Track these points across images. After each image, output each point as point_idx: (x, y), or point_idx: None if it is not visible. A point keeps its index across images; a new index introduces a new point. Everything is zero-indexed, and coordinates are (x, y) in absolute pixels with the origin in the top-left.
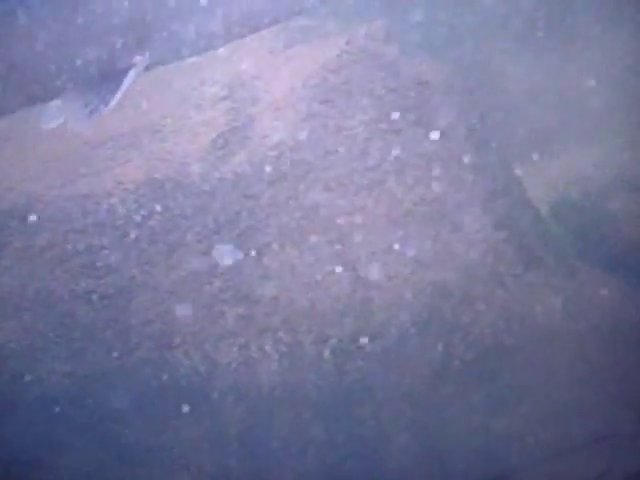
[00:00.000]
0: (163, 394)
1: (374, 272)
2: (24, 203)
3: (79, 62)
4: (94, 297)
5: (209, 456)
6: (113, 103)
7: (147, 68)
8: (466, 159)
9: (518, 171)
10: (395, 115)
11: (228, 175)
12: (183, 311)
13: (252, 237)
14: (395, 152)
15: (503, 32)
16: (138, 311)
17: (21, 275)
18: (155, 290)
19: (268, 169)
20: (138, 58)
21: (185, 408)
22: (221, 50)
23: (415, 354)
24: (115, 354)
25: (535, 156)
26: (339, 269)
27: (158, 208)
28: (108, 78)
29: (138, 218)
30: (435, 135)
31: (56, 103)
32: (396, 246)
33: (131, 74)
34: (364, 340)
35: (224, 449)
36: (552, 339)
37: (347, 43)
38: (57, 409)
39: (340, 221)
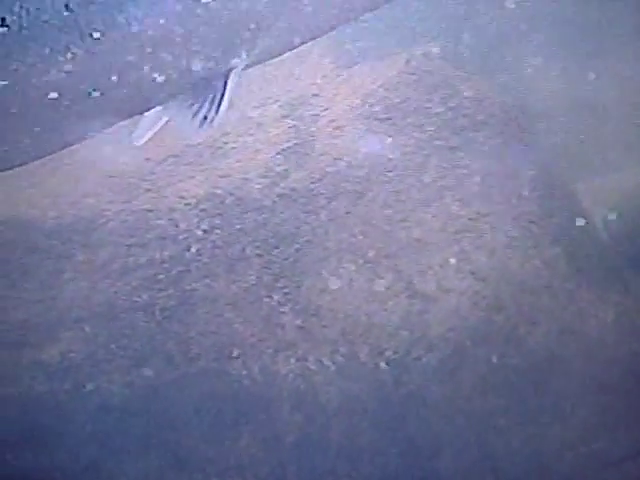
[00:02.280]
0: (221, 404)
1: (430, 286)
2: (87, 217)
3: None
4: (155, 309)
5: (265, 465)
6: (224, 109)
7: (246, 68)
8: (522, 175)
9: (573, 186)
10: (452, 133)
11: (288, 191)
12: (242, 323)
13: (311, 251)
14: (452, 169)
15: (558, 52)
16: (198, 323)
17: (83, 288)
18: (215, 302)
19: (327, 185)
20: (236, 60)
21: (243, 418)
22: (282, 68)
23: (470, 366)
24: (175, 365)
25: (590, 171)
26: (396, 283)
27: (219, 223)
28: (208, 83)
29: (199, 232)
30: (491, 152)
31: (153, 116)
32: (452, 260)
33: (233, 77)
34: (420, 352)
35: (280, 458)
36: (605, 352)
37: (406, 63)
38: (117, 418)
39: (397, 236)
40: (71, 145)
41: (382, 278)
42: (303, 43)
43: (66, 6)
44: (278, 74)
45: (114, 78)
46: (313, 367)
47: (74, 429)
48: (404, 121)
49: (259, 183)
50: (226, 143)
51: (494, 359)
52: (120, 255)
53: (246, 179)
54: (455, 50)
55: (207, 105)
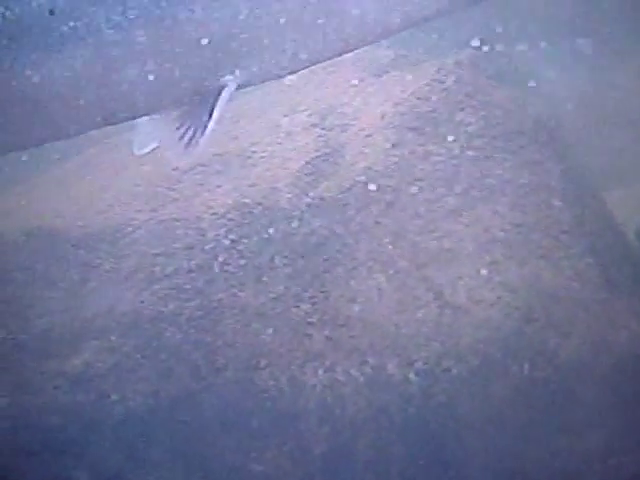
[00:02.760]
0: (248, 415)
1: (461, 296)
2: (114, 226)
3: (167, 82)
4: (181, 319)
5: (292, 477)
6: (209, 130)
7: (239, 88)
8: (554, 185)
9: (605, 197)
10: (484, 142)
11: (317, 200)
12: (270, 334)
13: (340, 261)
14: (483, 179)
15: (590, 61)
16: (225, 333)
17: (109, 297)
18: (243, 313)
19: (357, 195)
20: (229, 78)
21: (269, 429)
22: (312, 77)
23: (500, 377)
24: (201, 375)
25: (622, 180)
26: (426, 293)
27: (247, 232)
28: (198, 100)
29: (227, 242)
30: (523, 162)
31: (146, 128)
32: (483, 271)
33: (224, 96)
34: (450, 363)
35: (307, 470)
36: (636, 364)
37: (437, 71)
38: (142, 429)
39: (428, 246)
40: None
41: (412, 288)
42: (307, 66)
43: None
44: (308, 82)
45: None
46: (341, 378)
47: (98, 440)
48: (435, 130)
49: (288, 192)
50: (255, 152)
51: (525, 370)
52: (146, 264)
53: (275, 188)
54: (486, 59)
55: (194, 125)
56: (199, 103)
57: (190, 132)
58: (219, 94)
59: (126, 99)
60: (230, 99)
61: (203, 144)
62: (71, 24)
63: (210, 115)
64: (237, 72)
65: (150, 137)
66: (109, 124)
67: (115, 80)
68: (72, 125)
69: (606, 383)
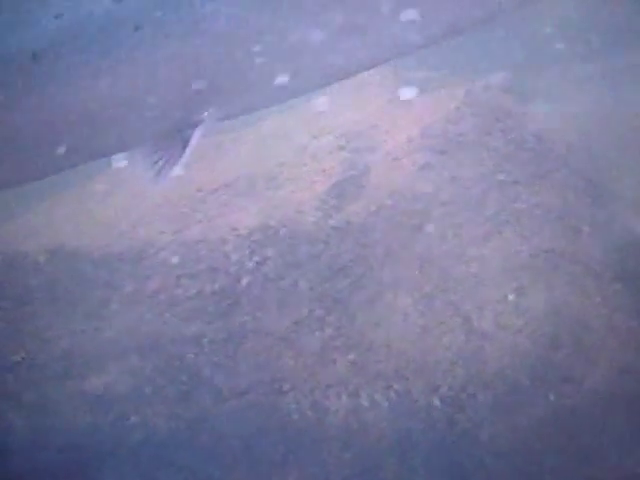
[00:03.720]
0: (270, 439)
1: (487, 322)
2: (137, 247)
3: (144, 117)
4: (204, 341)
5: None
6: (182, 163)
7: (217, 121)
8: (582, 211)
9: (634, 222)
10: (512, 166)
11: (343, 223)
12: (293, 357)
13: (366, 285)
14: (512, 203)
15: (619, 85)
16: (248, 356)
17: (131, 318)
18: (266, 336)
19: (383, 218)
20: (206, 114)
21: (291, 454)
22: (339, 99)
23: (526, 404)
24: (223, 398)
25: None
26: (452, 318)
27: (271, 255)
28: (175, 135)
29: (251, 264)
30: (552, 187)
31: (123, 162)
32: (511, 297)
33: (199, 132)
34: (475, 389)
35: None
36: None
37: (466, 95)
38: (162, 451)
39: (455, 271)
40: None
41: (438, 313)
42: (287, 100)
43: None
44: (334, 104)
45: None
46: (365, 403)
47: (117, 461)
48: (463, 154)
49: (313, 215)
50: (280, 173)
51: (551, 398)
52: (169, 286)
53: (300, 211)
54: (516, 82)
55: (168, 158)
56: (175, 136)
57: (163, 164)
58: (194, 129)
59: (108, 137)
60: (206, 134)
61: (175, 176)
62: (53, 68)
63: (184, 149)
64: (213, 109)
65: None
66: (90, 161)
67: (98, 120)
68: (52, 165)
69: (634, 411)
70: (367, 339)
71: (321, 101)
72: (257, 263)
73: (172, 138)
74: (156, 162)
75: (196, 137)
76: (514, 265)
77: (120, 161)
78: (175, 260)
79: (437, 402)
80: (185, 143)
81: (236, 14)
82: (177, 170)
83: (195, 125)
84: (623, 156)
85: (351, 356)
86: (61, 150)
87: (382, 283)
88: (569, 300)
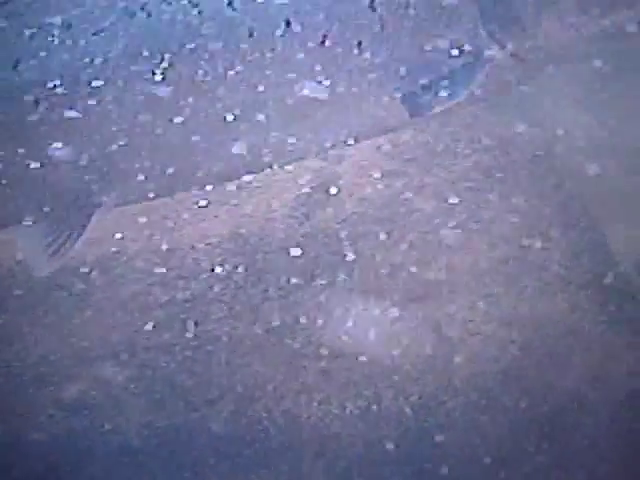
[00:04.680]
0: (242, 448)
1: (457, 329)
2: (109, 255)
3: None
4: (176, 349)
5: None
6: (77, 245)
7: (116, 206)
8: (552, 217)
9: (604, 228)
10: (480, 174)
11: (312, 231)
12: (264, 365)
13: (335, 293)
14: (480, 211)
15: (588, 92)
16: (220, 364)
17: (104, 326)
18: (237, 344)
19: (352, 226)
20: (104, 199)
21: (263, 462)
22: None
23: (497, 411)
24: (195, 406)
25: (620, 214)
26: (422, 326)
27: (242, 262)
28: (73, 217)
29: (222, 272)
30: (520, 194)
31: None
32: (480, 304)
33: (96, 216)
34: (445, 397)
35: None
36: (636, 399)
37: None
38: (135, 459)
39: (424, 278)
40: None
41: (408, 321)
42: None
43: None
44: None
45: None
46: (336, 411)
47: (92, 469)
48: (431, 162)
49: (283, 223)
50: (250, 182)
51: (522, 405)
52: (141, 293)
53: (270, 219)
54: (483, 90)
55: (63, 239)
56: (72, 218)
57: (57, 245)
58: (92, 213)
59: None
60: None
61: (66, 257)
62: None
63: (81, 231)
64: (112, 193)
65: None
66: None
67: None
68: None
69: (604, 418)
70: (337, 347)
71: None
72: (228, 271)
73: (70, 220)
74: (51, 244)
75: (93, 222)
76: (483, 272)
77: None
78: (147, 268)
79: (408, 410)
80: (82, 228)
81: None
82: (71, 252)
83: (93, 208)
84: (591, 162)
85: (322, 364)
86: None
87: (352, 291)
88: (538, 307)
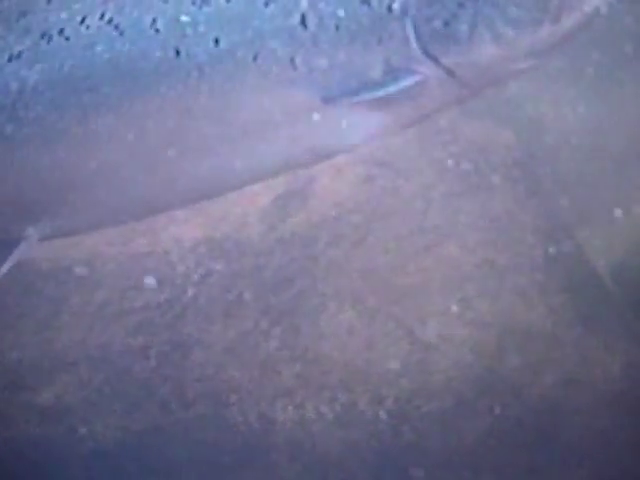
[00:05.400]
0: (217, 451)
1: (431, 333)
2: (84, 259)
3: None
4: (151, 353)
5: None
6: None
7: (42, 239)
8: (527, 222)
9: (579, 232)
10: (455, 178)
11: (287, 235)
12: (239, 369)
13: (310, 297)
14: (454, 215)
15: (564, 97)
16: (194, 368)
17: (78, 330)
18: (212, 347)
19: (326, 230)
20: (30, 230)
21: (239, 466)
22: None
23: (472, 416)
24: (170, 410)
25: (595, 218)
26: (396, 330)
27: (216, 267)
28: None
29: (196, 276)
30: (495, 198)
31: None
32: (454, 308)
33: (19, 250)
34: (420, 401)
35: None
36: (612, 404)
37: None
38: (111, 462)
39: (398, 282)
40: None
41: (382, 325)
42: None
43: None
44: None
45: None
46: (311, 415)
47: (67, 473)
48: (406, 166)
49: (258, 227)
50: None
51: (497, 409)
52: (116, 298)
53: (244, 223)
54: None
55: None
56: None
57: None
58: (17, 245)
59: None
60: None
61: None
62: None
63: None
64: (39, 224)
65: None
66: None
67: None
68: None
69: (580, 421)
70: (312, 351)
71: None
72: (202, 275)
73: None
74: None
75: (16, 255)
76: (457, 277)
77: None
78: (121, 272)
79: (383, 414)
80: (4, 259)
81: None
82: None
83: (17, 241)
84: (566, 165)
85: (297, 368)
86: None
87: (326, 295)
88: (513, 311)
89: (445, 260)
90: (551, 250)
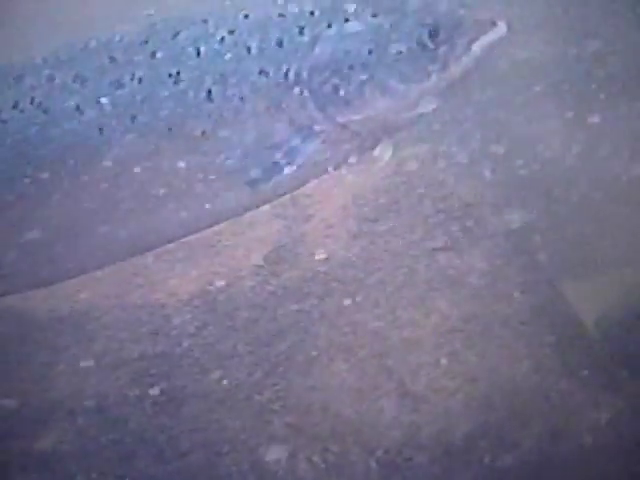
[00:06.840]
0: None
1: (421, 386)
2: (81, 311)
3: None
4: (146, 404)
5: None
6: None
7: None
8: (513, 276)
9: (564, 286)
10: (443, 234)
11: (279, 289)
12: (233, 419)
13: (302, 350)
14: (442, 270)
15: (550, 144)
16: (189, 418)
17: (75, 380)
18: (206, 398)
19: (318, 284)
20: None
21: None
22: None
23: (461, 467)
24: (165, 459)
25: (581, 271)
26: (387, 382)
27: (211, 319)
28: None
29: (191, 328)
30: (481, 253)
31: None
32: (443, 361)
33: None
34: (411, 452)
35: None
36: (598, 455)
37: (398, 165)
38: None
39: (388, 335)
40: None
41: (373, 377)
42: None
43: None
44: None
45: None
46: (303, 465)
47: None
48: (395, 222)
49: (251, 281)
50: (219, 241)
51: (486, 460)
52: (112, 349)
53: (238, 277)
54: (447, 151)
55: None
56: None
57: None
58: None
59: None
60: None
61: None
62: None
63: None
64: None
65: None
66: None
67: None
68: None
69: (568, 475)
70: (304, 402)
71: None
72: (197, 327)
73: None
74: None
75: None
76: (446, 330)
77: None
78: (118, 324)
79: (374, 464)
80: None
81: None
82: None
83: None
84: (549, 220)
85: (289, 419)
86: None
87: (318, 347)
88: (501, 364)
89: (434, 314)
90: (537, 304)
